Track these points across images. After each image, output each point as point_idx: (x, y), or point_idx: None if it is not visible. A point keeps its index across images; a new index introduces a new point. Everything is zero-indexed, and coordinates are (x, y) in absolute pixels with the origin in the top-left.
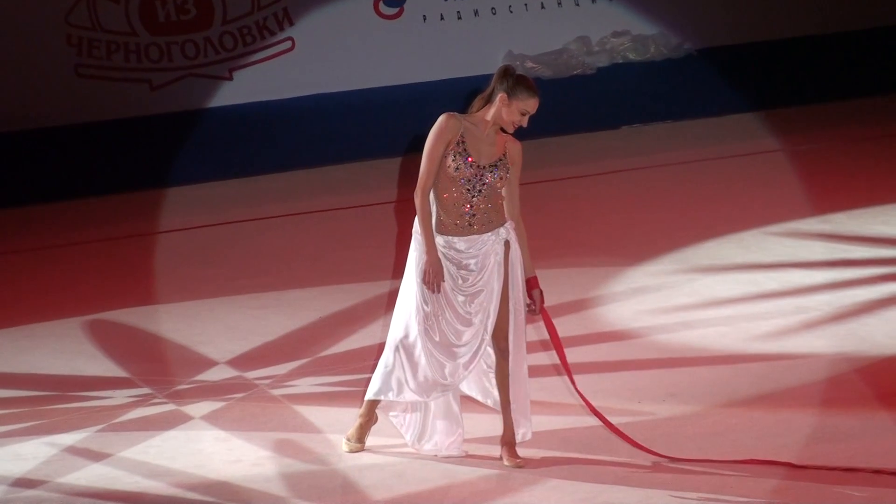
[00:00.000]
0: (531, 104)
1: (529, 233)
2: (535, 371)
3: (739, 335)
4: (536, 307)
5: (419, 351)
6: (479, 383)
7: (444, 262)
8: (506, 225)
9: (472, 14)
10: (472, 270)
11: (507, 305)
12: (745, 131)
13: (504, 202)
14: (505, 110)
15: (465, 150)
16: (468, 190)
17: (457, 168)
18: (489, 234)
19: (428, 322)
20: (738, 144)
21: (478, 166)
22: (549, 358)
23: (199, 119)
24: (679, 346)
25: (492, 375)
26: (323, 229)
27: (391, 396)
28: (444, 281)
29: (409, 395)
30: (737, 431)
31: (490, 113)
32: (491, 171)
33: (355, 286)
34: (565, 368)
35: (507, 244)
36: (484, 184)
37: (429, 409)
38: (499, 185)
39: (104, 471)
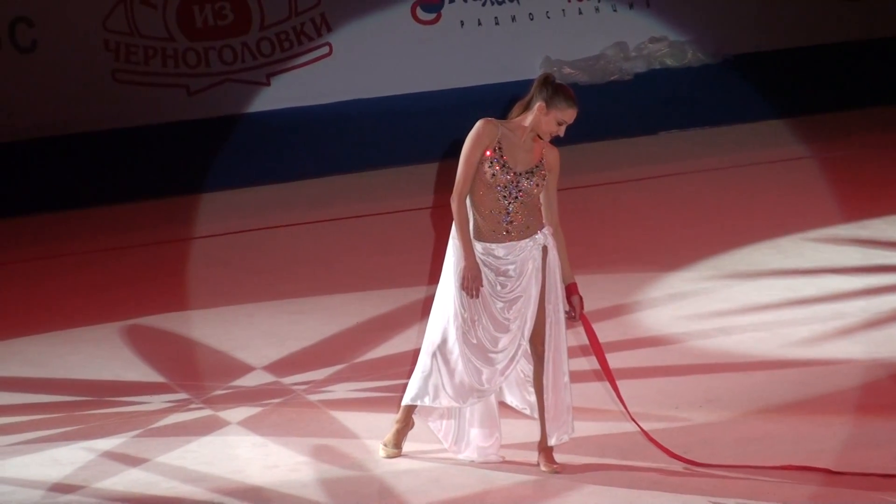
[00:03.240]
0: (569, 114)
1: (567, 239)
2: (573, 377)
3: (776, 341)
4: (576, 314)
5: (456, 356)
6: (519, 392)
7: (483, 269)
8: (543, 230)
9: (510, 20)
10: (511, 276)
11: (545, 310)
12: (782, 137)
13: (542, 209)
14: (543, 119)
15: (501, 156)
16: (504, 196)
17: (493, 174)
18: (527, 239)
19: (465, 327)
20: (774, 150)
21: (514, 173)
22: (588, 364)
23: (237, 124)
24: (716, 352)
25: (530, 385)
26: (360, 234)
27: (427, 402)
28: (482, 286)
29: (445, 401)
30: (774, 437)
31: (528, 120)
32: (527, 178)
33: (392, 291)
34: (607, 376)
35: (544, 249)
36: (520, 190)
37: (465, 414)
38: (535, 191)
39: (141, 476)
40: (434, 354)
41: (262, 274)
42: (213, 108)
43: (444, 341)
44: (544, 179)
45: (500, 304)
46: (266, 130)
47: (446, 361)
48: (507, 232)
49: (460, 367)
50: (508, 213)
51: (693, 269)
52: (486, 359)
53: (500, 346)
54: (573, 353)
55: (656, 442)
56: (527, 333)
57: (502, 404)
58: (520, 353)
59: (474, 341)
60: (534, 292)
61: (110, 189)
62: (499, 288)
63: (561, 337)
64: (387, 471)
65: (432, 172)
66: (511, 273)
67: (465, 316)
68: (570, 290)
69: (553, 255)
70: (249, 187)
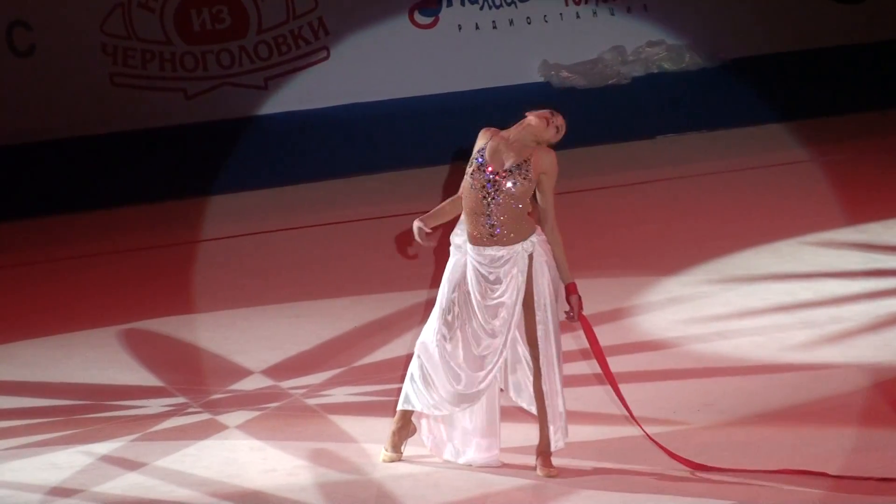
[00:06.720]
0: (558, 119)
1: (564, 242)
2: (571, 381)
3: (774, 345)
4: (574, 314)
5: (445, 361)
6: (527, 393)
7: (471, 274)
8: (531, 238)
9: (508, 24)
10: (497, 283)
11: (535, 317)
12: (779, 141)
13: (538, 213)
14: (536, 123)
15: (483, 156)
16: (483, 197)
17: (472, 173)
18: (513, 245)
19: (453, 332)
20: (772, 154)
21: (491, 170)
22: (587, 367)
23: (234, 128)
24: (714, 356)
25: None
26: (358, 238)
27: (419, 406)
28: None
29: (435, 405)
30: (771, 441)
31: (515, 132)
32: (507, 177)
33: (391, 295)
34: (607, 376)
35: (530, 258)
36: (499, 191)
37: (465, 418)
38: (514, 190)
39: (139, 480)
40: (422, 358)
41: (261, 277)
42: (210, 111)
43: (432, 345)
44: (527, 179)
45: (486, 310)
46: (264, 134)
47: (434, 366)
48: (492, 236)
49: (449, 371)
50: (490, 216)
51: (691, 273)
52: (474, 363)
53: (487, 350)
54: (573, 356)
55: (658, 443)
56: (519, 338)
57: (504, 408)
58: (505, 356)
59: (461, 347)
60: (519, 298)
61: (108, 193)
62: (489, 292)
63: (553, 344)
64: (385, 475)
65: (430, 176)
66: (497, 279)
67: (454, 322)
68: (569, 290)
69: (539, 262)
70: (247, 191)
